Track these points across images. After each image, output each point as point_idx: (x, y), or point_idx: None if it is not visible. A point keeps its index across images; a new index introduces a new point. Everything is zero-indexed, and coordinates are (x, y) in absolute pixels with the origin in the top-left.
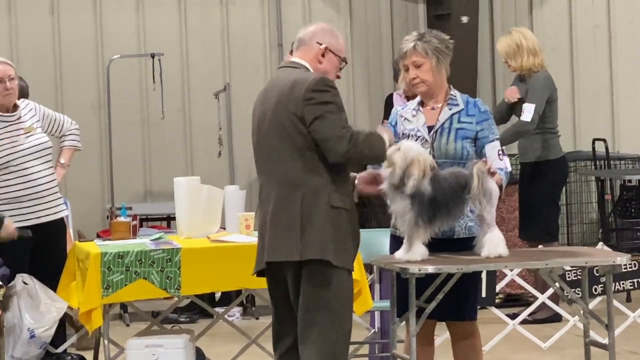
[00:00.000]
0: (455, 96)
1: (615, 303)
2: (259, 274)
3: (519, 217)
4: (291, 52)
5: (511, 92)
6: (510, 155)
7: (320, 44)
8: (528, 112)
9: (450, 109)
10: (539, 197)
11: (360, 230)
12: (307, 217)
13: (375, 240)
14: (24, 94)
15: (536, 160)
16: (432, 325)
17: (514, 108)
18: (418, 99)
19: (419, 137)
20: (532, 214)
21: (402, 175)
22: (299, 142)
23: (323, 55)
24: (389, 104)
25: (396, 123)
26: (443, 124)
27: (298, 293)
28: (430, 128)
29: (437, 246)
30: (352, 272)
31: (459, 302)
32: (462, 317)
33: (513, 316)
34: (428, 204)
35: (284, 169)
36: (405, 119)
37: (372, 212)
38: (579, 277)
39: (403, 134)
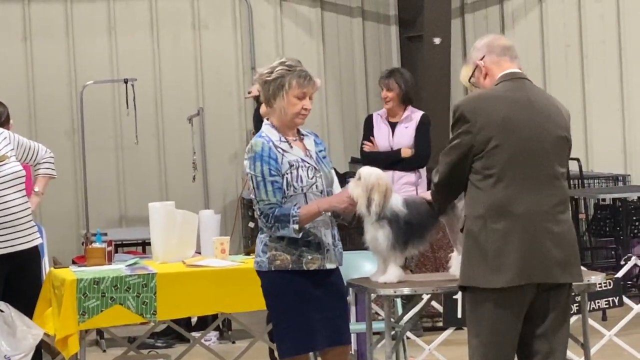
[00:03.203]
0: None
1: (591, 322)
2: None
3: None
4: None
5: None
6: None
7: None
8: None
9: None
10: None
11: None
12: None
13: (352, 262)
14: (0, 121)
15: None
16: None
17: None
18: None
19: (308, 166)
20: None
21: (368, 203)
22: (565, 165)
23: None
24: (369, 124)
25: (276, 157)
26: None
27: (541, 316)
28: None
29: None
30: None
31: (344, 325)
32: (346, 340)
33: None
34: (404, 228)
35: (557, 187)
36: (284, 150)
37: (348, 234)
38: None
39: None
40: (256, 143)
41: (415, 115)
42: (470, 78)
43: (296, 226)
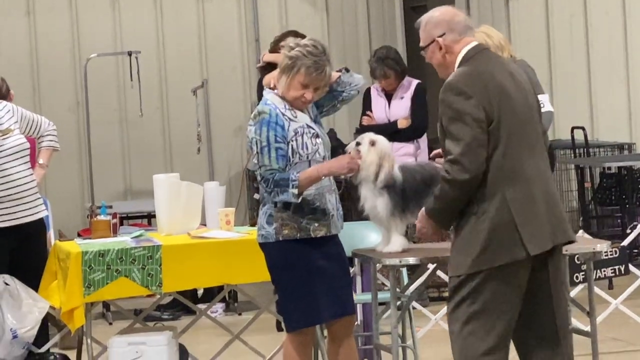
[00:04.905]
0: None
1: (597, 290)
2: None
3: None
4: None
5: None
6: None
7: None
8: (547, 102)
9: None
10: None
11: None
12: None
13: (357, 233)
14: (1, 94)
15: None
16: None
17: None
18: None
19: (312, 132)
20: None
21: (378, 170)
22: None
23: None
24: (367, 97)
25: (283, 124)
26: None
27: (548, 281)
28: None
29: None
30: None
31: (348, 295)
32: (351, 310)
33: None
34: (401, 195)
35: (545, 151)
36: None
37: (353, 205)
38: None
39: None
40: (263, 109)
41: (411, 84)
42: (423, 50)
43: (295, 190)
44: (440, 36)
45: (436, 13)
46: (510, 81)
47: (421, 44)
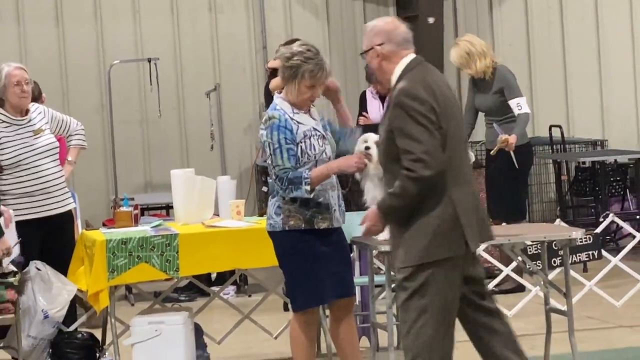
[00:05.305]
0: None
1: (573, 273)
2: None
3: (487, 199)
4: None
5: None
6: (475, 143)
7: None
8: (524, 104)
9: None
10: (510, 179)
11: None
12: None
13: (355, 222)
14: (34, 96)
15: None
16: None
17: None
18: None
19: (319, 135)
20: (504, 196)
21: None
22: None
23: None
24: (362, 99)
25: (292, 128)
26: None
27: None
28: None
29: None
30: None
31: (349, 278)
32: (351, 292)
33: None
34: None
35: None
36: (298, 121)
37: (352, 197)
38: (539, 251)
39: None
40: (273, 114)
41: None
42: (363, 53)
43: (308, 187)
44: (380, 45)
45: (380, 22)
46: (447, 89)
47: (363, 48)
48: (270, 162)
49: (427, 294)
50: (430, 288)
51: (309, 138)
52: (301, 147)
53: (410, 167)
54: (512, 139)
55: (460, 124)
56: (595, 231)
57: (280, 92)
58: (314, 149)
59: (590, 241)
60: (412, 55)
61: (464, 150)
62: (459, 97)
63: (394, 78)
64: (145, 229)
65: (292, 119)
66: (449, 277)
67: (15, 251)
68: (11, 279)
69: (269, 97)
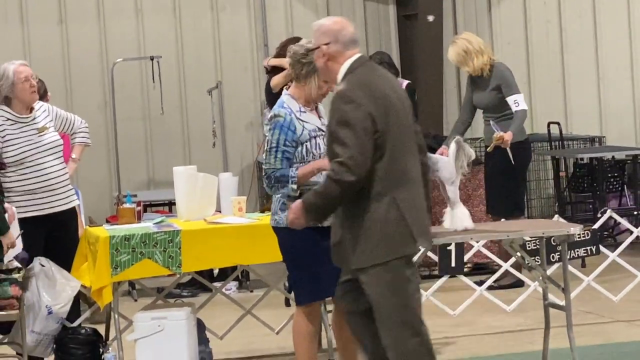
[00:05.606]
0: None
1: (571, 269)
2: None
3: (486, 195)
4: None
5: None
6: (474, 139)
7: None
8: (521, 101)
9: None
10: (508, 176)
11: None
12: None
13: None
14: (40, 94)
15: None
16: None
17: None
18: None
19: (323, 134)
20: (502, 192)
21: None
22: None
23: None
24: None
25: (295, 129)
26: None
27: None
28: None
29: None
30: None
31: None
32: None
33: (480, 283)
34: None
35: (418, 155)
36: (304, 120)
37: None
38: (538, 247)
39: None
40: (279, 112)
41: (402, 85)
42: (311, 51)
43: (294, 186)
44: (326, 44)
45: (328, 22)
46: (390, 89)
47: (311, 46)
48: (264, 157)
49: (398, 292)
50: (398, 285)
51: (315, 138)
52: (307, 146)
53: (335, 169)
54: (508, 136)
55: (405, 124)
56: (593, 227)
57: (287, 89)
58: (320, 149)
59: (588, 237)
60: (356, 55)
61: (409, 150)
62: (458, 94)
63: (339, 78)
64: (148, 225)
65: (298, 118)
66: (403, 275)
67: (19, 245)
68: (15, 275)
69: (270, 95)
